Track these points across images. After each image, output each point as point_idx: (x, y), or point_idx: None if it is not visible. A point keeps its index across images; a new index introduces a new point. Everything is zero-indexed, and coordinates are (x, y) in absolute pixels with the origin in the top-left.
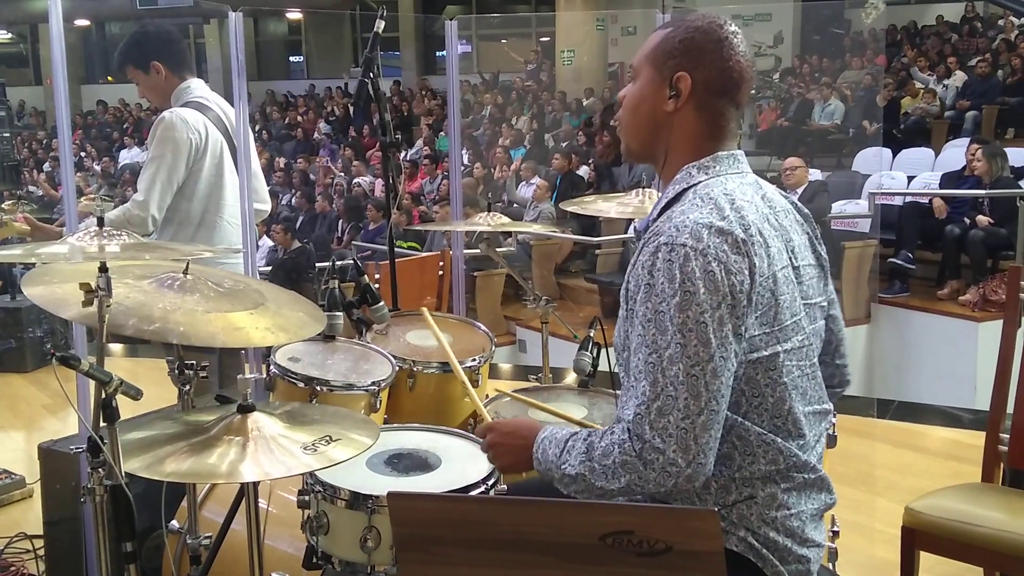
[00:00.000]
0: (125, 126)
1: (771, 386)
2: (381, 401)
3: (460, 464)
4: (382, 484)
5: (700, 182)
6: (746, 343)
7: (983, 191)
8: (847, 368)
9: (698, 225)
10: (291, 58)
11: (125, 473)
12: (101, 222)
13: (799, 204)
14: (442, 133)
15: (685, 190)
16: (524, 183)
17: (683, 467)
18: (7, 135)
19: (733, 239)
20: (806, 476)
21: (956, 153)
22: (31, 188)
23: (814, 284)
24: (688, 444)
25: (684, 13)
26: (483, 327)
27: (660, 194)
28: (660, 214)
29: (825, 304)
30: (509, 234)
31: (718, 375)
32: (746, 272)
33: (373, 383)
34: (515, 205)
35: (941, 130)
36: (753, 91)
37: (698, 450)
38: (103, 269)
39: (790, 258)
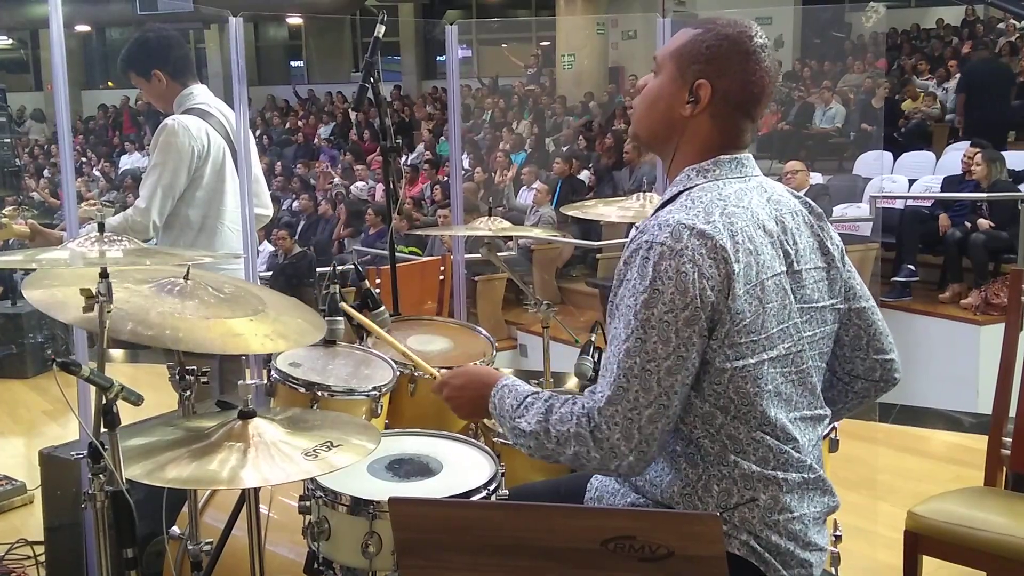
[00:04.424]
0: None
1: (759, 394)
2: (382, 406)
3: (461, 469)
4: (383, 489)
5: (696, 185)
6: (730, 351)
7: (983, 195)
8: (892, 362)
9: (680, 226)
10: (291, 63)
11: (126, 479)
12: (102, 227)
13: (812, 204)
14: (443, 138)
15: (681, 192)
16: (524, 188)
17: (626, 453)
18: (8, 140)
19: (713, 244)
20: (804, 476)
21: (957, 156)
22: (32, 194)
23: (820, 287)
24: (632, 433)
25: (684, 17)
26: (484, 332)
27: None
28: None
29: (841, 306)
30: (510, 238)
31: (673, 373)
32: (719, 279)
33: (374, 388)
34: (514, 211)
35: (942, 133)
36: None
37: (641, 439)
38: (104, 275)
39: (791, 263)
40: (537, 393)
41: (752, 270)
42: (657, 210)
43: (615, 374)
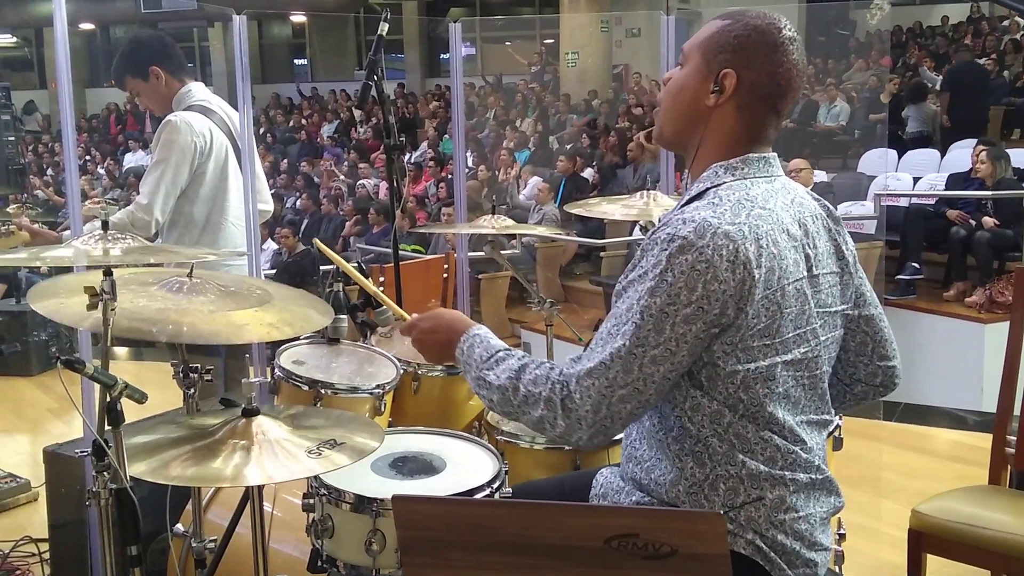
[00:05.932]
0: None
1: (768, 396)
2: (386, 404)
3: (465, 467)
4: (387, 487)
5: (724, 183)
6: (743, 354)
7: (988, 192)
8: (894, 368)
9: (705, 223)
10: (295, 61)
11: (130, 477)
12: (106, 226)
13: (831, 207)
14: (447, 135)
15: (708, 189)
16: (530, 185)
17: (590, 426)
18: (12, 139)
19: (734, 248)
20: (812, 476)
21: (962, 154)
22: (36, 192)
23: (834, 292)
24: (600, 408)
25: (688, 15)
26: None
27: (685, 187)
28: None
29: (850, 312)
30: (514, 236)
31: (657, 362)
32: (733, 284)
33: (378, 386)
34: (517, 209)
35: (946, 131)
36: None
37: (607, 415)
38: (108, 273)
39: (811, 267)
40: (509, 350)
41: (774, 275)
42: (683, 205)
43: (602, 351)
